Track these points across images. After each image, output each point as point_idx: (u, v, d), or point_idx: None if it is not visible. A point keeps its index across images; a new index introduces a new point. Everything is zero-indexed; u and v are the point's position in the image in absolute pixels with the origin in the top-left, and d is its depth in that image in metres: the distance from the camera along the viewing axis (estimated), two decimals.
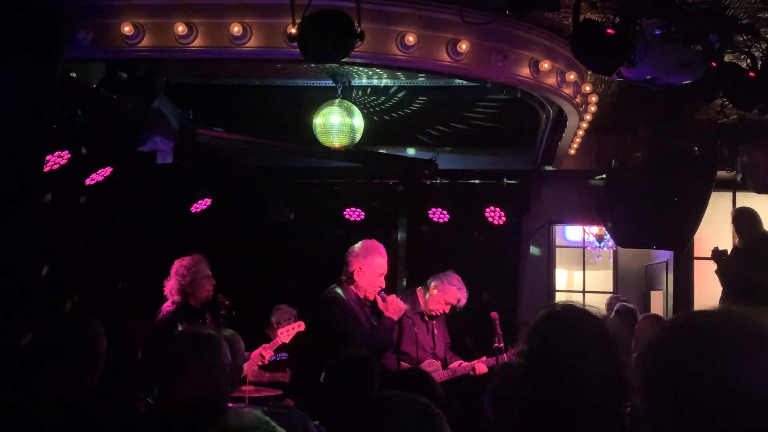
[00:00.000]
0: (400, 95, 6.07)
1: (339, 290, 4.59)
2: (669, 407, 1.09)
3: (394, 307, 4.52)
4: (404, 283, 8.10)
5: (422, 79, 5.62)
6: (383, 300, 4.57)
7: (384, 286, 4.64)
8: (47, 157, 4.97)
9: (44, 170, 4.81)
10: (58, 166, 5.18)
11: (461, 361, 5.89)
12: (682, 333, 1.15)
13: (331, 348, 4.37)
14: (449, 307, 5.84)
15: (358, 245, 4.69)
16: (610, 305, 6.76)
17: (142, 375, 5.30)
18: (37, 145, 3.65)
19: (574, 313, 1.92)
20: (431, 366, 5.69)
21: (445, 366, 5.85)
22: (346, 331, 4.37)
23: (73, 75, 4.95)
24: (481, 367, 5.76)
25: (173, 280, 5.20)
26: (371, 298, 4.61)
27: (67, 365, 2.71)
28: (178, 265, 5.23)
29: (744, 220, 6.54)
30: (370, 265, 4.58)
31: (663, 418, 1.11)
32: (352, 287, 4.60)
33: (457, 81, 5.49)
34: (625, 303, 6.54)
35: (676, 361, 1.11)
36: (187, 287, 5.17)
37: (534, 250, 8.24)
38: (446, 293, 5.78)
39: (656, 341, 1.17)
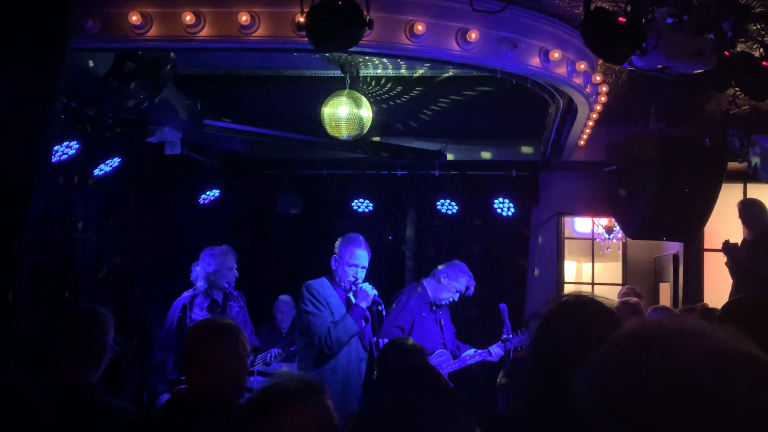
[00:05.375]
0: (408, 85, 6.04)
1: (324, 279, 4.93)
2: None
3: (363, 294, 4.80)
4: (412, 273, 8.09)
5: (425, 68, 5.59)
6: (355, 288, 4.85)
7: (356, 277, 4.87)
8: (56, 148, 4.97)
9: (53, 160, 4.81)
10: (66, 156, 5.19)
11: (475, 349, 5.91)
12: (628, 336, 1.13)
13: (306, 336, 4.77)
14: (458, 295, 5.92)
15: (340, 237, 5.01)
16: (625, 296, 6.73)
17: (157, 363, 5.40)
18: (46, 135, 3.65)
19: (586, 303, 1.90)
20: (441, 356, 5.74)
21: (454, 356, 5.87)
22: (308, 318, 4.74)
23: (81, 65, 4.94)
24: (497, 350, 5.80)
25: (200, 267, 5.47)
26: (347, 287, 4.87)
27: (73, 356, 2.72)
28: (206, 253, 5.49)
29: (751, 211, 6.48)
30: (343, 256, 4.89)
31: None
32: (336, 276, 4.92)
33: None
34: (626, 299, 6.47)
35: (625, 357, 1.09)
36: (211, 275, 5.40)
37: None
38: (457, 281, 5.88)
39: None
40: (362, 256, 4.90)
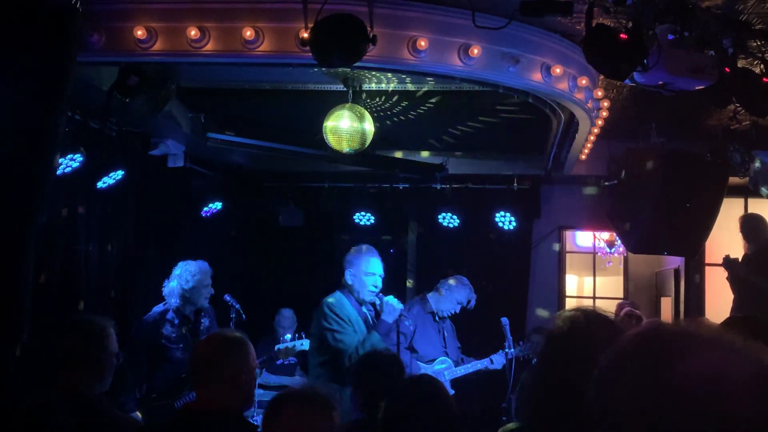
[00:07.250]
0: (410, 100, 6.07)
1: (340, 294, 4.73)
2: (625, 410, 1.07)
3: (389, 308, 4.61)
4: (413, 287, 8.09)
5: (431, 82, 5.62)
6: (379, 301, 4.67)
7: (377, 286, 4.70)
8: (60, 160, 5.00)
9: (57, 173, 4.83)
10: (70, 168, 5.21)
11: (477, 361, 6.02)
12: (638, 342, 1.13)
13: (326, 353, 4.59)
14: (460, 307, 6.02)
15: (350, 250, 4.85)
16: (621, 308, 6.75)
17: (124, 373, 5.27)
18: (51, 147, 3.67)
19: (592, 318, 1.90)
20: (443, 363, 5.85)
21: (457, 365, 5.99)
22: (333, 335, 4.53)
23: (86, 78, 4.97)
24: (498, 359, 5.86)
25: (176, 282, 5.19)
26: (367, 300, 4.71)
27: (78, 367, 2.72)
28: (182, 269, 5.21)
29: (751, 226, 6.49)
30: (359, 267, 4.71)
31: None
32: (350, 291, 4.73)
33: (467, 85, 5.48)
34: (627, 310, 6.49)
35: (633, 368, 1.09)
36: (187, 293, 5.16)
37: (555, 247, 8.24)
38: (458, 293, 6.00)
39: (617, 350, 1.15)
40: (379, 265, 4.76)
